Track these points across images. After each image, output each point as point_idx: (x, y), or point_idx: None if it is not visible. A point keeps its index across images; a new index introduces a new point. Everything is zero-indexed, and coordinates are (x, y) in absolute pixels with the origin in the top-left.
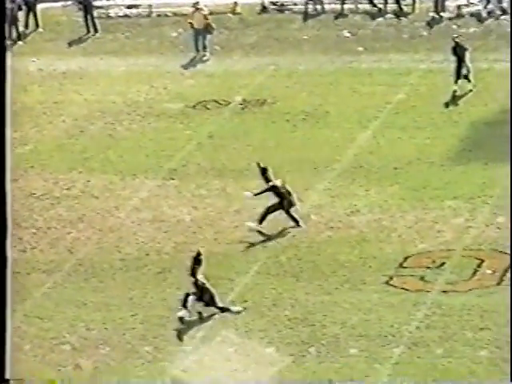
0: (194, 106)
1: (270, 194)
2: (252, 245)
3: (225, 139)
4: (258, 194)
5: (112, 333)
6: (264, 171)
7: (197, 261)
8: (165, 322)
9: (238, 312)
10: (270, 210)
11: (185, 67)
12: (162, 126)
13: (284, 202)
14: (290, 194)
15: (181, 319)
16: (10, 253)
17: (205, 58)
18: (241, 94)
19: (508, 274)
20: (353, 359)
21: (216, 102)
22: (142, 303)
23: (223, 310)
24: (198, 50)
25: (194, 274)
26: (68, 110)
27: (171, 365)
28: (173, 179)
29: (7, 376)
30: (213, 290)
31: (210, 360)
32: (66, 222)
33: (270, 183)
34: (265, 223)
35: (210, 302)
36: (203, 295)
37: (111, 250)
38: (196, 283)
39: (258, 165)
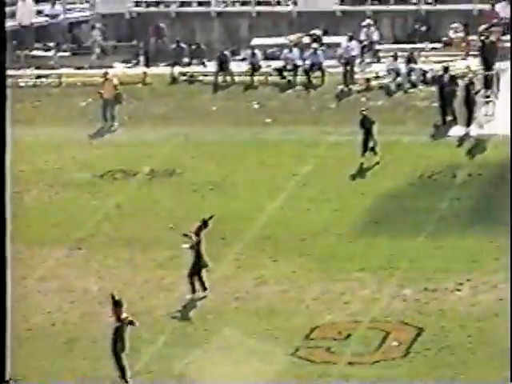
0: (101, 176)
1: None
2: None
3: (132, 209)
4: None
5: None
6: (205, 225)
7: (116, 302)
8: None
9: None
10: (193, 274)
11: (93, 137)
12: (69, 196)
13: (201, 260)
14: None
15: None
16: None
17: (113, 128)
18: (149, 164)
19: (413, 346)
20: None
21: (124, 172)
22: (49, 373)
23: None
24: (106, 120)
25: (118, 316)
26: None
27: None
28: (80, 249)
29: (7, 376)
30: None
31: None
32: None
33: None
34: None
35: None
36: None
37: (18, 320)
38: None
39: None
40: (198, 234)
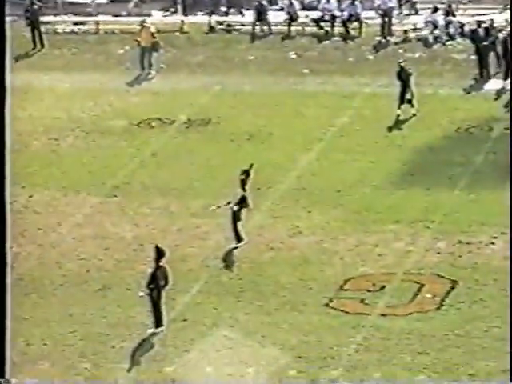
0: (138, 124)
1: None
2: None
3: (168, 158)
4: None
5: (51, 349)
6: (247, 174)
7: (160, 252)
8: (104, 339)
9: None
10: (236, 224)
11: (130, 85)
12: (105, 144)
13: (241, 211)
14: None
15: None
16: (9, 253)
17: (150, 76)
18: (185, 113)
19: (447, 299)
20: (291, 380)
21: (160, 120)
22: (81, 320)
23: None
24: (143, 68)
25: (157, 264)
26: (12, 126)
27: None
28: (115, 196)
29: (7, 376)
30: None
31: (149, 378)
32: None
33: (244, 193)
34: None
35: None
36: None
37: (52, 266)
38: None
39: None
40: (243, 187)
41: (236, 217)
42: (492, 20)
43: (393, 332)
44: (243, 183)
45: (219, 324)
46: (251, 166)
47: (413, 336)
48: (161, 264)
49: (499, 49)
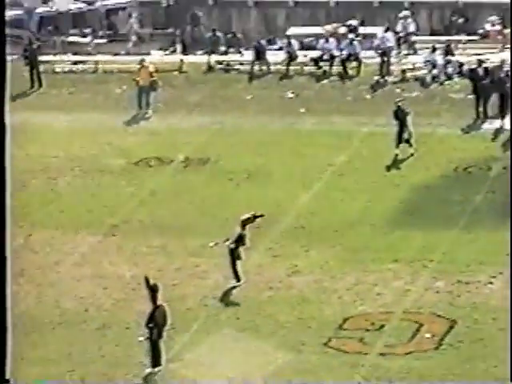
0: (136, 163)
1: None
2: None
3: (167, 197)
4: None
5: None
6: (254, 219)
7: (151, 288)
8: (103, 378)
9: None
10: (235, 263)
11: (128, 124)
12: (104, 182)
13: (239, 250)
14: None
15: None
16: (9, 253)
17: (147, 116)
18: (183, 151)
19: (446, 338)
20: None
21: (159, 159)
22: (80, 359)
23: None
24: (141, 107)
25: (154, 302)
26: (10, 165)
27: None
28: (114, 235)
29: (7, 376)
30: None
31: None
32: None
33: (242, 232)
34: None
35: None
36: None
37: (51, 305)
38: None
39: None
40: (243, 226)
41: (235, 256)
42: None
43: (392, 371)
44: (244, 224)
45: (218, 364)
46: (262, 215)
47: (412, 375)
48: (159, 303)
49: (497, 88)
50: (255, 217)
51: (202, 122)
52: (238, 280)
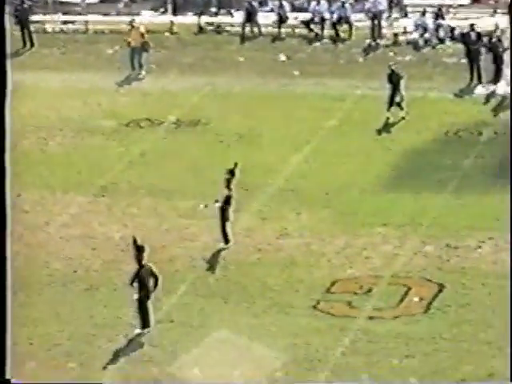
0: (127, 124)
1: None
2: (181, 264)
3: (157, 158)
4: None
5: (38, 348)
6: (232, 174)
7: (138, 248)
8: (91, 339)
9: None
10: (224, 225)
11: (120, 85)
12: (94, 143)
13: (226, 213)
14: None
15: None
16: (9, 253)
17: (140, 76)
18: (175, 113)
19: (434, 302)
20: (278, 383)
21: (149, 120)
22: (68, 320)
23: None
24: (133, 68)
25: (139, 262)
26: None
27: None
28: (103, 196)
29: (7, 376)
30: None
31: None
32: None
33: (229, 192)
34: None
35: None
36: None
37: (40, 266)
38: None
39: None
40: (228, 186)
41: (224, 217)
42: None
43: (380, 335)
44: (228, 183)
45: (206, 325)
46: (235, 165)
47: (400, 339)
48: (143, 263)
49: (489, 53)
50: (231, 171)
51: (193, 83)
52: (227, 242)
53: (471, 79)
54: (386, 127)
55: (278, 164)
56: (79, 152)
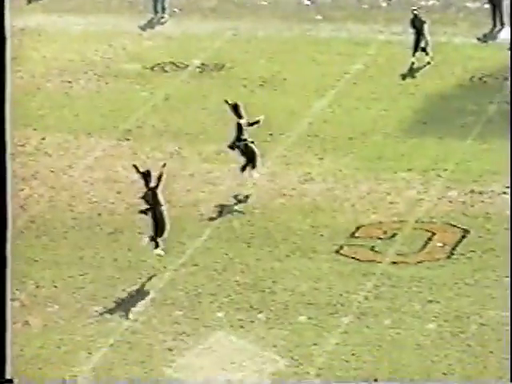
0: (151, 68)
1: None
2: (205, 209)
3: (181, 102)
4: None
5: (61, 291)
6: (235, 108)
7: (143, 174)
8: (115, 282)
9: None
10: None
11: (143, 28)
12: (118, 87)
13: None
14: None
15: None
16: (10, 253)
17: (163, 20)
18: (199, 57)
19: (458, 247)
20: (301, 327)
21: (174, 64)
22: (92, 263)
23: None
24: (156, 12)
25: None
26: (25, 67)
27: (119, 325)
28: (128, 140)
29: (7, 376)
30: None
31: (159, 322)
32: (19, 179)
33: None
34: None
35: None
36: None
37: (63, 209)
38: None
39: (227, 102)
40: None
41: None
42: None
43: (403, 280)
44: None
45: (229, 269)
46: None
47: (423, 284)
48: (151, 186)
49: None
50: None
51: (216, 27)
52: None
53: (494, 24)
54: (411, 72)
55: (302, 109)
56: (103, 95)
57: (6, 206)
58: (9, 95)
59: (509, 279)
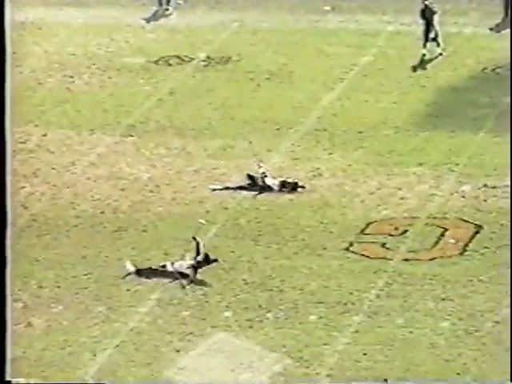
0: (155, 62)
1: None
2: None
3: (186, 96)
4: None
5: (65, 291)
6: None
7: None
8: (119, 282)
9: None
10: None
11: (147, 21)
12: (121, 81)
13: None
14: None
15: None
16: (9, 253)
17: (167, 13)
18: (204, 50)
19: (471, 243)
20: (311, 326)
21: (178, 57)
22: (96, 262)
23: None
24: (160, 4)
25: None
26: (26, 62)
27: (124, 326)
28: (131, 136)
29: (7, 376)
30: None
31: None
32: (21, 176)
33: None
34: None
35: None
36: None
37: (66, 207)
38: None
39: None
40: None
41: None
42: None
43: (415, 277)
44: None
45: (237, 268)
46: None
47: (435, 282)
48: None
49: None
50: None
51: (222, 19)
52: None
53: (506, 14)
54: (422, 64)
55: (310, 102)
56: (106, 90)
57: (5, 206)
58: (9, 91)
59: (509, 278)
